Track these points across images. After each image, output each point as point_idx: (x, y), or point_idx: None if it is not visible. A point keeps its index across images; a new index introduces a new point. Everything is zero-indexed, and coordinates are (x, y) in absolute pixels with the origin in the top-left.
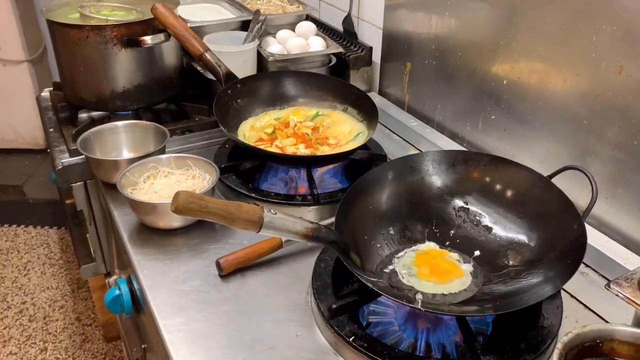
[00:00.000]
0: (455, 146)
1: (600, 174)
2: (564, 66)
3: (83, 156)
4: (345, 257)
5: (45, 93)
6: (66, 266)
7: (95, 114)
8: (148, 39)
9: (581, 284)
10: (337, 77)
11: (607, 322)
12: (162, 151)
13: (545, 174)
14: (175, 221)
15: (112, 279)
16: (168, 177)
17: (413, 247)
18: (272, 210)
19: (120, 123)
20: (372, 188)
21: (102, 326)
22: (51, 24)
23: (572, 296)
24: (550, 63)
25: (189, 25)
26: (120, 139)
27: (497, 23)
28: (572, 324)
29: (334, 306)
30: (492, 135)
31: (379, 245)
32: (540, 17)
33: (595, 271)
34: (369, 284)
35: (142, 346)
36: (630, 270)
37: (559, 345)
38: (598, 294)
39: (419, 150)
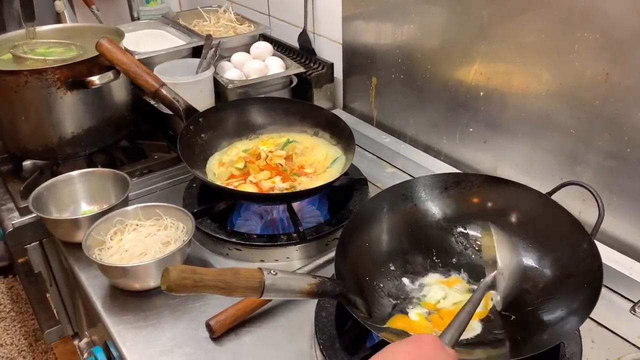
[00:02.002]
0: (431, 160)
1: (592, 182)
2: (546, 76)
3: (36, 215)
4: (353, 307)
5: None
6: (19, 318)
7: (42, 162)
8: (95, 79)
9: None
10: (300, 96)
11: (620, 337)
12: (125, 201)
13: (535, 185)
14: (152, 281)
15: (83, 343)
16: (137, 230)
17: (419, 280)
18: (272, 271)
19: (75, 173)
20: (367, 225)
21: None
22: None
23: None
24: (530, 73)
25: (136, 57)
26: (76, 191)
27: (467, 33)
28: (589, 344)
29: None
30: (472, 147)
31: (382, 285)
32: (516, 26)
33: None
34: (377, 333)
35: None
36: (637, 280)
37: None
38: (606, 308)
39: (394, 167)
